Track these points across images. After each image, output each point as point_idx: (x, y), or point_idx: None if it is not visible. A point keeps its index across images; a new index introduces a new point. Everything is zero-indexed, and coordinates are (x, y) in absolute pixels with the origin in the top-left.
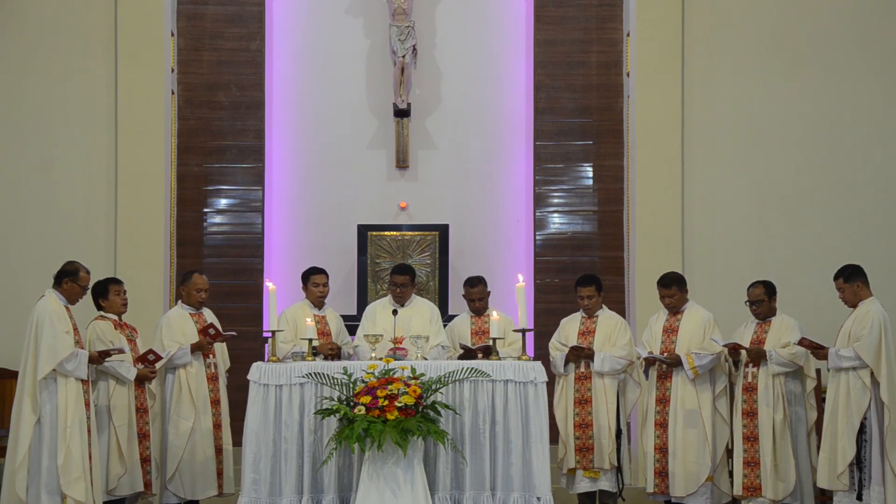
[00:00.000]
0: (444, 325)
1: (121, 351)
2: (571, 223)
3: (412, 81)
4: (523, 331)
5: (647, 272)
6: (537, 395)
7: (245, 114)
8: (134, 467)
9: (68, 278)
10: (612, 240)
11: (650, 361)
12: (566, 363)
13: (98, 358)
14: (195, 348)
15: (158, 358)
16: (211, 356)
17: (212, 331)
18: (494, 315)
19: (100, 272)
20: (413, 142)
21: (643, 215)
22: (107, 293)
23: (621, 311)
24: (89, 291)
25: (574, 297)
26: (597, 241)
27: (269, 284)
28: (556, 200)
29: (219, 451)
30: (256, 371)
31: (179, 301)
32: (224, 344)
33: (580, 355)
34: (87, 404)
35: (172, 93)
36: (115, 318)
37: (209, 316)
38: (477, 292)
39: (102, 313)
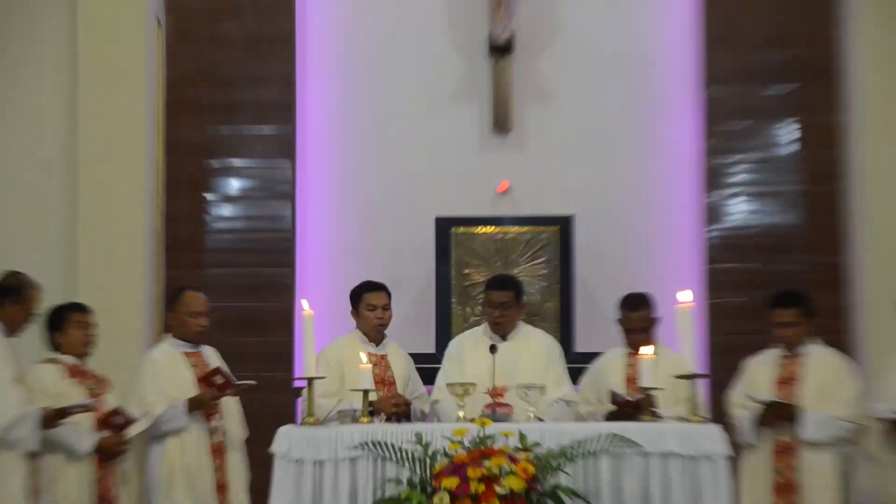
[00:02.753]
0: (577, 369)
1: (86, 409)
2: (763, 212)
3: (517, 1)
4: (692, 377)
5: (885, 287)
6: (716, 477)
7: (267, 53)
8: None
9: (10, 298)
10: (828, 236)
11: None
12: (758, 427)
13: (53, 417)
14: (194, 406)
15: (130, 421)
16: (216, 417)
17: (218, 378)
18: (647, 353)
19: (52, 293)
20: (519, 92)
21: (878, 199)
22: (65, 324)
23: (842, 346)
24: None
25: (767, 323)
26: (803, 239)
27: (303, 307)
28: (738, 177)
29: None
30: (285, 439)
31: (167, 334)
32: (237, 399)
33: (780, 414)
34: (35, 492)
35: (158, 23)
36: (74, 361)
37: (212, 356)
38: (638, 319)
39: (55, 354)
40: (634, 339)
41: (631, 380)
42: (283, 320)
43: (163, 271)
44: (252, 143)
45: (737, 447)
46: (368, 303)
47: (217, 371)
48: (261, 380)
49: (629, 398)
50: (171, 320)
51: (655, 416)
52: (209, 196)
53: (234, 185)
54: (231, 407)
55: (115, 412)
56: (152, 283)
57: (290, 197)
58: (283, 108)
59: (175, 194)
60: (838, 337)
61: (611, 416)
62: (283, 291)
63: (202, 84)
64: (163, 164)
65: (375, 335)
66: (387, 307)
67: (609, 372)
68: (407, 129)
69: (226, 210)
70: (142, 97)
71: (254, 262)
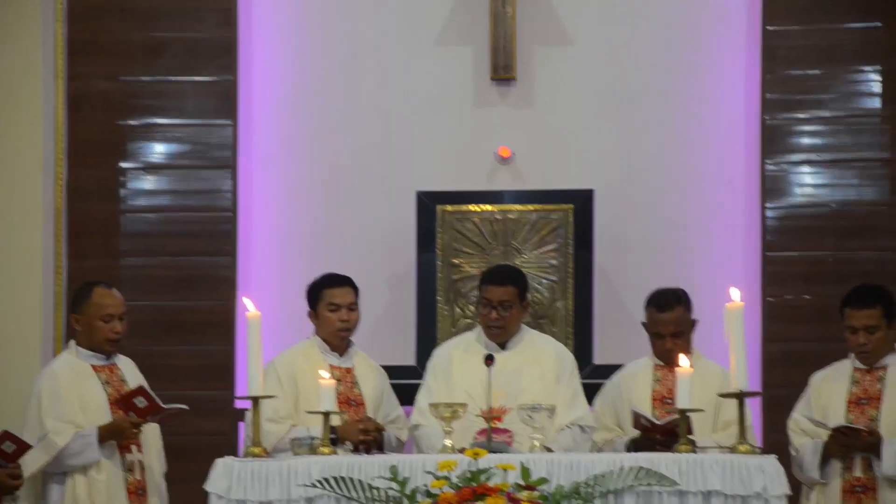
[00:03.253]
0: (597, 386)
1: None
2: (836, 185)
3: None
4: (741, 395)
5: None
6: None
7: None
8: None
9: None
10: None
11: None
12: (824, 459)
13: None
14: (108, 435)
15: (24, 448)
16: (135, 449)
17: (141, 401)
18: (683, 365)
19: None
20: (525, 32)
21: None
22: None
23: None
24: None
25: (840, 327)
26: (887, 220)
27: (248, 307)
28: (804, 141)
29: None
30: (223, 475)
31: (72, 342)
32: (157, 427)
33: (852, 444)
34: None
35: None
36: None
37: (130, 371)
38: (669, 321)
39: None
40: (664, 347)
41: (659, 398)
42: (222, 324)
43: (64, 261)
44: (181, 97)
45: (798, 485)
46: (330, 301)
47: (140, 391)
48: (193, 399)
49: (657, 421)
50: (77, 324)
51: (693, 446)
52: (125, 164)
53: (158, 150)
54: (151, 437)
55: (4, 437)
56: (51, 277)
57: (230, 166)
58: (221, 51)
59: (81, 162)
60: None
61: (634, 445)
62: (221, 287)
63: (115, 18)
64: (64, 122)
65: (339, 342)
66: (353, 307)
67: (631, 389)
68: (382, 79)
69: (147, 183)
70: (36, 35)
71: (184, 250)
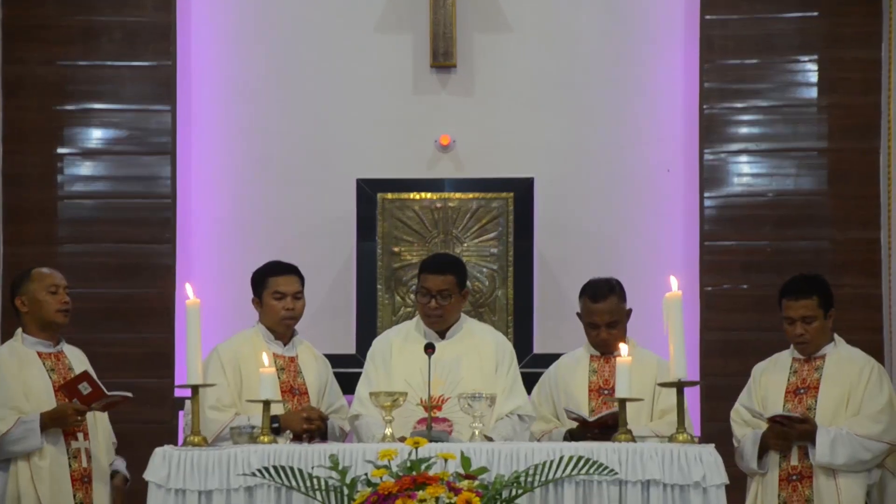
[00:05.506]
0: (536, 375)
1: None
2: (774, 174)
3: None
4: (679, 385)
5: None
6: None
7: None
8: None
9: None
10: (855, 206)
11: None
12: (762, 449)
13: None
14: (50, 421)
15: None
16: (81, 436)
17: (85, 387)
18: (623, 355)
19: None
20: (465, 18)
21: None
22: None
23: (872, 347)
24: None
25: (777, 317)
26: (824, 210)
27: (188, 294)
28: (742, 130)
29: None
30: (162, 464)
31: (18, 330)
32: (105, 415)
33: (789, 433)
34: None
35: None
36: None
37: (76, 358)
38: (604, 311)
39: None
40: (599, 337)
41: (596, 389)
42: (161, 311)
43: (0, 248)
44: (119, 82)
45: (742, 475)
46: (275, 290)
47: (84, 377)
48: (133, 388)
49: (589, 419)
50: (23, 306)
51: (632, 436)
52: (62, 150)
53: (96, 135)
54: (100, 424)
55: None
56: None
57: (169, 152)
58: (159, 36)
59: (16, 147)
60: (867, 335)
61: (571, 436)
62: (160, 274)
63: (52, 2)
64: None
65: (283, 331)
66: (298, 295)
67: (568, 380)
68: (321, 65)
69: (85, 168)
70: None
71: (122, 237)
